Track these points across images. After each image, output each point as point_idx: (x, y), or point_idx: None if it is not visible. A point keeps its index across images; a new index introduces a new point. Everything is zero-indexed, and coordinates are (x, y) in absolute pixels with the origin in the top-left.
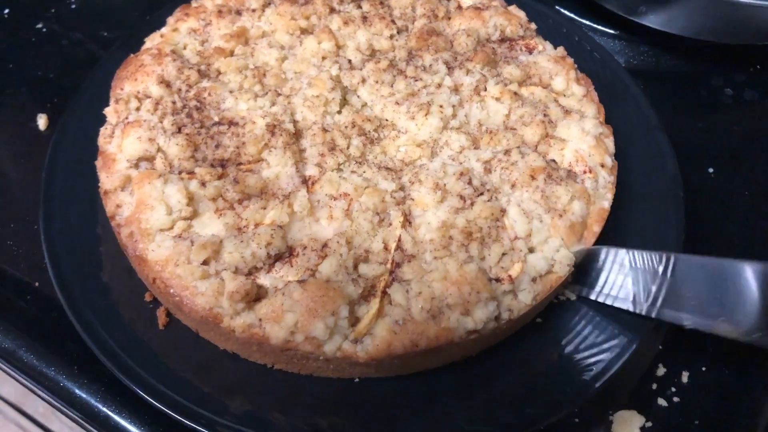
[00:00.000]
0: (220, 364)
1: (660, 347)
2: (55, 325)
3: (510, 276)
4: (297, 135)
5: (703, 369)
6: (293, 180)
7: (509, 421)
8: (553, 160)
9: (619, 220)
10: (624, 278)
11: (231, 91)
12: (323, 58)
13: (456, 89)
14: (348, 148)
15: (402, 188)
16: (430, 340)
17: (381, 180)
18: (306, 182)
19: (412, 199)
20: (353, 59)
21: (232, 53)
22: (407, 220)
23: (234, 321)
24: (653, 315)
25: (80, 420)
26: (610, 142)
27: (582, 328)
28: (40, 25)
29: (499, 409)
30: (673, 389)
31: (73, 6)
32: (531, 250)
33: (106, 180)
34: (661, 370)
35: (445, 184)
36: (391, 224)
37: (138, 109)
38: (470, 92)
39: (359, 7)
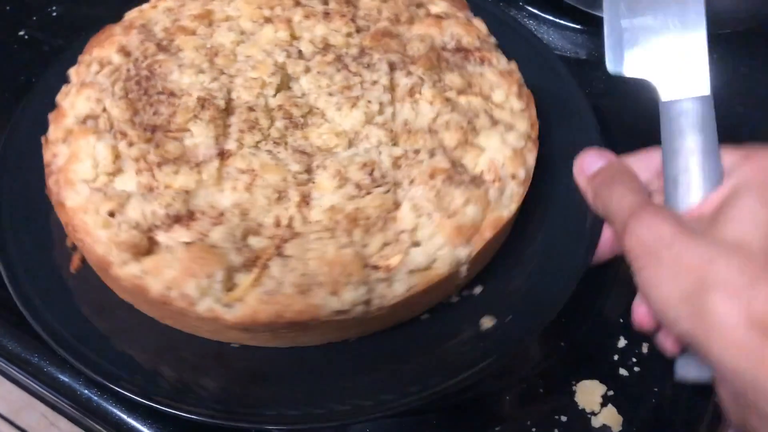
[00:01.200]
0: (118, 310)
1: (621, 320)
2: None
3: (388, 265)
4: (227, 111)
5: None
6: (209, 151)
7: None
8: (462, 165)
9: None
10: None
11: (180, 66)
12: (275, 45)
13: (392, 88)
14: (269, 128)
15: (308, 171)
16: (295, 314)
17: (292, 162)
18: (222, 155)
19: (314, 183)
20: (304, 50)
21: (194, 32)
22: (305, 201)
23: (121, 270)
24: None
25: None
26: (531, 156)
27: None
28: (22, 33)
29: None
30: (634, 359)
31: (54, 14)
32: (415, 245)
33: (53, 131)
34: (622, 342)
35: (347, 172)
36: (288, 203)
37: (97, 73)
38: (404, 93)
39: (325, 3)
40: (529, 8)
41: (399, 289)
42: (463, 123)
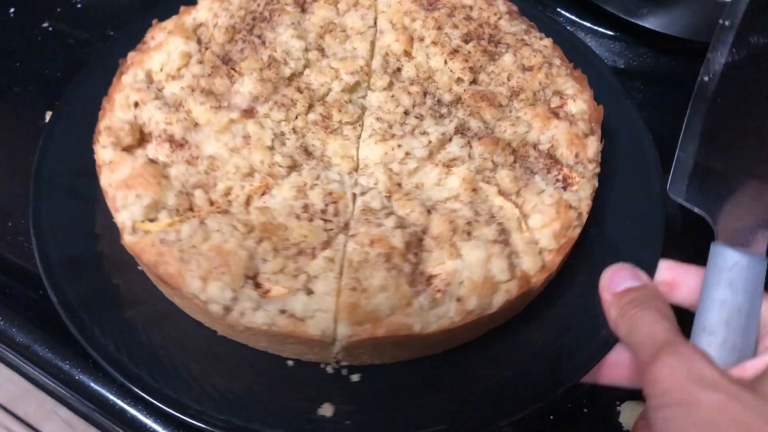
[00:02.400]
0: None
1: None
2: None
3: (267, 290)
4: (288, 80)
5: None
6: (242, 103)
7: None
8: (420, 258)
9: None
10: None
11: (293, 23)
12: (384, 52)
13: (432, 147)
14: (300, 115)
15: (290, 168)
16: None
17: (285, 154)
18: (246, 112)
19: (279, 183)
20: (404, 70)
21: (336, 3)
22: (261, 191)
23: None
24: None
25: (97, 413)
26: (499, 297)
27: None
28: (46, 24)
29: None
30: None
31: (79, 5)
32: (307, 292)
33: (171, 20)
34: None
35: (310, 188)
36: (250, 183)
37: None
38: (444, 159)
39: (465, 41)
40: (566, 14)
41: (258, 318)
42: (466, 219)
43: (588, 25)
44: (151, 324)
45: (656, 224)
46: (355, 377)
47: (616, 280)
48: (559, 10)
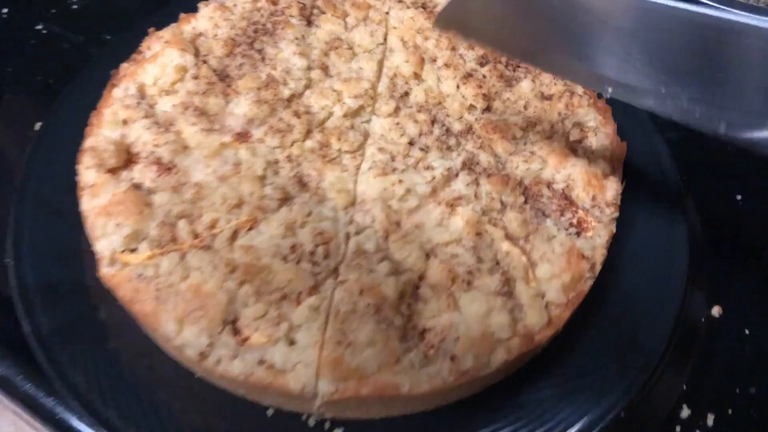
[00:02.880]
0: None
1: (684, 387)
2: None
3: (246, 338)
4: (288, 102)
5: (730, 412)
6: (235, 125)
7: None
8: (415, 310)
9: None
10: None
11: (296, 38)
12: (392, 74)
13: (436, 183)
14: (297, 143)
15: (281, 201)
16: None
17: (278, 187)
18: (240, 136)
19: (268, 218)
20: (412, 95)
21: (344, 17)
22: (249, 225)
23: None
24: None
25: None
26: (498, 354)
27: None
28: (40, 27)
29: None
30: None
31: (75, 6)
32: (289, 342)
33: (168, 30)
34: (685, 412)
35: (300, 226)
36: (237, 216)
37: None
38: (447, 198)
39: (481, 64)
40: None
41: (235, 368)
42: (467, 267)
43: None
44: (131, 358)
45: (677, 277)
46: None
47: None
48: None
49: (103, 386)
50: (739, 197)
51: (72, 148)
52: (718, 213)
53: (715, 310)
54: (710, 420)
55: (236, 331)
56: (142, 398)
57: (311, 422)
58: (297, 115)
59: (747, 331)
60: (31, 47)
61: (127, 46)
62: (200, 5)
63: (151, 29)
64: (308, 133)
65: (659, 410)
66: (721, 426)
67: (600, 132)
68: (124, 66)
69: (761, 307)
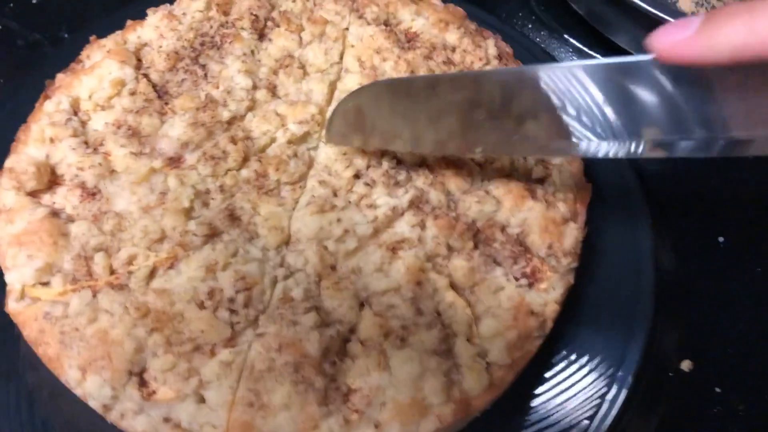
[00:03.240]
0: None
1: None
2: None
3: (151, 392)
4: (228, 125)
5: None
6: (168, 149)
7: None
8: (340, 369)
9: None
10: None
11: (245, 54)
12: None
13: (378, 224)
14: (231, 171)
15: (206, 238)
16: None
17: (204, 223)
18: (172, 161)
19: (189, 256)
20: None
21: (299, 31)
22: (169, 263)
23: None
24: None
25: None
26: (426, 424)
27: None
28: None
29: None
30: None
31: (34, 1)
32: (199, 400)
33: (111, 38)
34: None
35: (221, 268)
36: (157, 253)
37: (192, 10)
38: (389, 240)
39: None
40: (575, 42)
41: (139, 424)
42: (402, 321)
43: (598, 56)
44: (42, 394)
45: (641, 329)
46: None
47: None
48: (566, 37)
49: (3, 427)
50: (721, 239)
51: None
52: (697, 256)
53: (685, 365)
54: None
55: (143, 383)
56: None
57: None
58: (234, 141)
59: (718, 390)
60: None
61: (82, 48)
62: (149, 11)
63: (92, 37)
64: (245, 161)
65: None
66: None
67: (564, 170)
68: (60, 76)
69: (735, 362)
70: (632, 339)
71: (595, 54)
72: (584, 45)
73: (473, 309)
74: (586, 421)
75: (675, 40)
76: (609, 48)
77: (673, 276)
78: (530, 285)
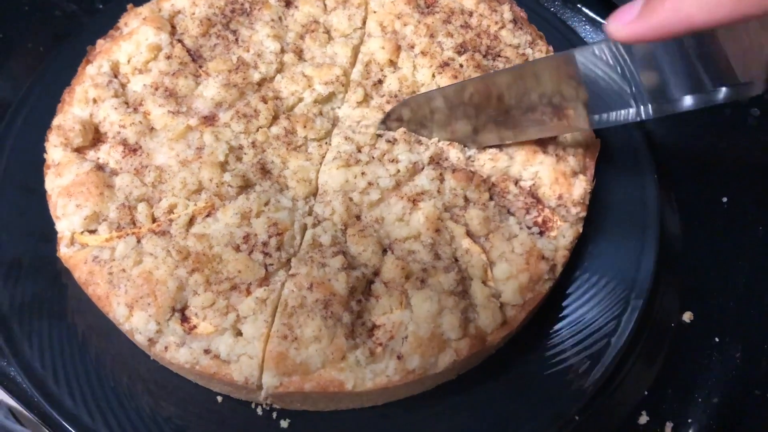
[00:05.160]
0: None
1: (645, 393)
2: None
3: (193, 326)
4: (258, 86)
5: (689, 421)
6: (203, 108)
7: None
8: (366, 307)
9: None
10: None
11: (273, 20)
12: (368, 61)
13: (399, 177)
14: (262, 129)
15: (240, 189)
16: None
17: (239, 174)
18: (206, 119)
19: (225, 205)
20: (386, 83)
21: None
22: (207, 211)
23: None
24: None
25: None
26: (445, 356)
27: None
28: None
29: None
30: None
31: None
32: (236, 333)
33: (147, 6)
34: (643, 419)
35: (256, 215)
36: (196, 202)
37: None
38: (410, 193)
39: (459, 53)
40: (587, 11)
41: (182, 356)
42: (423, 265)
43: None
44: (89, 338)
45: (643, 280)
46: (284, 423)
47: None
48: (579, 6)
49: (58, 366)
50: (725, 200)
51: (45, 124)
52: (701, 215)
53: (686, 316)
54: (668, 429)
55: (185, 319)
56: (95, 379)
57: (259, 411)
58: (264, 100)
59: (717, 339)
60: (24, 14)
61: (116, 18)
62: None
63: (129, 5)
64: (275, 119)
65: (617, 415)
66: None
67: None
68: (100, 42)
69: (734, 315)
70: (635, 291)
71: (605, 21)
72: (597, 15)
73: (488, 255)
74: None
75: (622, 23)
76: None
77: (677, 233)
78: (541, 233)
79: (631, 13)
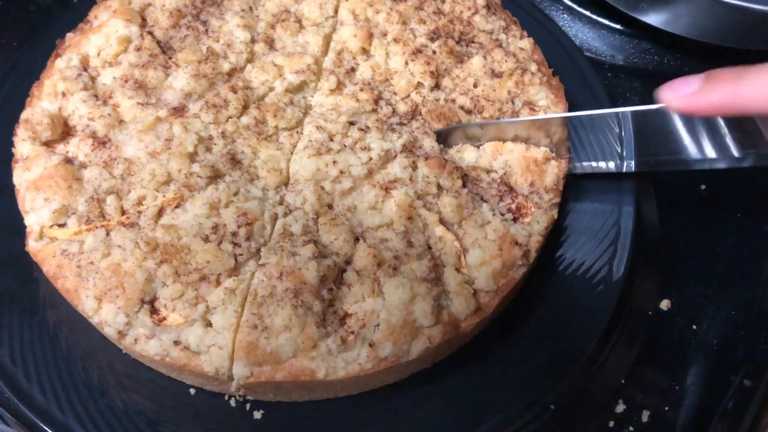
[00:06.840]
0: None
1: (622, 381)
2: None
3: (162, 318)
4: (228, 76)
5: (666, 409)
6: (172, 100)
7: None
8: (337, 296)
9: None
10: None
11: (243, 10)
12: (340, 49)
13: (372, 165)
14: (232, 118)
15: (209, 180)
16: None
17: (208, 165)
18: (176, 110)
19: (193, 196)
20: (359, 71)
21: None
22: (176, 202)
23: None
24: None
25: None
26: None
27: None
28: None
29: None
30: (632, 429)
31: None
32: (206, 324)
33: None
34: (620, 407)
35: (224, 205)
36: (164, 193)
37: None
38: (383, 181)
39: (431, 39)
40: (566, 1)
41: (151, 348)
42: (395, 252)
43: (588, 14)
44: (61, 331)
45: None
46: (257, 414)
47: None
48: None
49: (28, 361)
50: (703, 187)
51: (14, 119)
52: (679, 203)
53: (664, 304)
54: (645, 416)
55: (154, 311)
56: (66, 373)
57: (233, 403)
58: (234, 90)
59: (694, 327)
60: None
61: (89, 10)
62: None
63: None
64: (245, 109)
65: (594, 404)
66: (656, 423)
67: (550, 111)
68: (70, 36)
69: (711, 303)
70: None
71: (584, 11)
72: (574, 3)
73: (461, 242)
74: None
75: (679, 95)
76: (599, 6)
77: (654, 220)
78: (515, 219)
79: (689, 87)
